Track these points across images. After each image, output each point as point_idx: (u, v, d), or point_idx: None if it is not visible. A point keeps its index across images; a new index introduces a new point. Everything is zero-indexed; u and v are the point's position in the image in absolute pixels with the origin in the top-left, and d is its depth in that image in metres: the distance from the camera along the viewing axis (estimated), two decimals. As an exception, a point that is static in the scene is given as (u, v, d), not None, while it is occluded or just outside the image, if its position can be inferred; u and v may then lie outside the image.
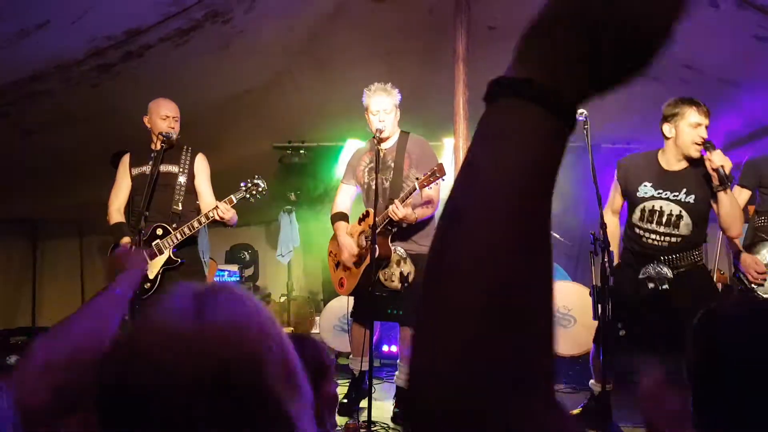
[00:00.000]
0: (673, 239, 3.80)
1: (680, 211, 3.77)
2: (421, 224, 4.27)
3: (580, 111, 3.85)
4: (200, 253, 4.57)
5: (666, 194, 3.82)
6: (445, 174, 3.96)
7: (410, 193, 4.01)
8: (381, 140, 4.14)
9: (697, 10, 4.78)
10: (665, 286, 3.64)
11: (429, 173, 3.96)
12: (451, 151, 5.49)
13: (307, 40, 5.78)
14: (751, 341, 1.19)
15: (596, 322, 3.76)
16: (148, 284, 4.13)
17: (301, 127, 7.40)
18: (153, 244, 4.15)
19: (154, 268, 4.16)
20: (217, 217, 4.16)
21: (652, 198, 3.85)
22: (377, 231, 4.00)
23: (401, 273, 4.13)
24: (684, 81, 5.61)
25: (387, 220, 4.07)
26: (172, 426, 0.78)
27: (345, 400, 4.38)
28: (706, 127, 3.73)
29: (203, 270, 4.71)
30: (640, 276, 3.78)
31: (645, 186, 3.87)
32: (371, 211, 4.23)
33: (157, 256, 4.15)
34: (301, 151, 7.65)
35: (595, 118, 4.07)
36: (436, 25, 5.52)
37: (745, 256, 4.07)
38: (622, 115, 6.29)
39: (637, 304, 3.74)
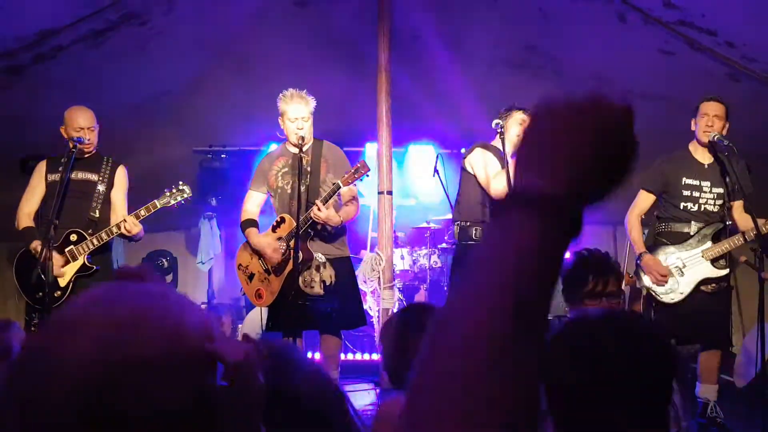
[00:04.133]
0: None
1: None
2: (339, 229, 4.29)
3: (496, 121, 4.00)
4: (114, 260, 4.44)
5: None
6: (369, 170, 4.01)
7: (333, 194, 4.02)
8: (302, 147, 4.13)
9: (606, 23, 5.01)
10: None
11: (353, 170, 4.00)
12: (374, 158, 5.53)
13: (228, 43, 5.72)
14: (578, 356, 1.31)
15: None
16: (59, 292, 3.97)
17: (223, 131, 7.31)
18: (66, 250, 4.01)
19: (67, 275, 4.02)
20: (123, 231, 4.07)
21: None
22: (296, 236, 3.98)
23: (321, 278, 4.12)
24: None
25: (308, 223, 4.06)
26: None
27: None
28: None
29: (118, 278, 4.57)
30: None
31: None
32: (287, 217, 4.19)
33: (69, 262, 4.02)
34: (223, 156, 7.55)
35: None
36: (359, 32, 5.57)
37: (647, 258, 4.24)
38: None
39: None
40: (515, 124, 4.19)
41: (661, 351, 1.35)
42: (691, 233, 4.21)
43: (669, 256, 4.21)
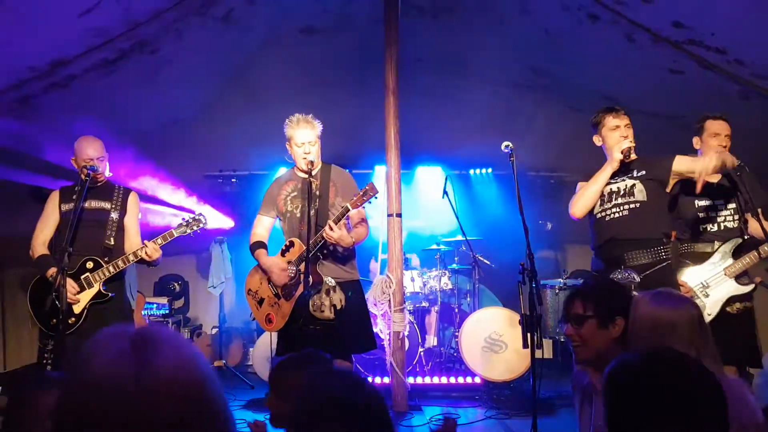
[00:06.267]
0: (632, 205, 3.97)
1: (633, 183, 4.00)
2: (348, 252, 4.28)
3: (505, 144, 3.97)
4: (127, 287, 4.46)
5: (618, 178, 4.04)
6: (377, 192, 4.00)
7: (342, 216, 4.00)
8: (311, 171, 4.13)
9: (613, 43, 5.02)
10: (633, 292, 3.74)
11: (362, 192, 3.99)
12: (383, 180, 5.53)
13: (237, 70, 5.77)
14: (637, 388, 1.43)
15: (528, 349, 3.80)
16: (73, 319, 4.00)
17: (233, 156, 7.36)
18: (82, 277, 4.05)
19: (82, 302, 4.04)
20: (145, 257, 4.14)
21: (608, 184, 4.06)
22: (306, 259, 3.96)
23: (332, 302, 4.09)
24: (603, 112, 5.84)
25: (318, 246, 4.04)
26: None
27: None
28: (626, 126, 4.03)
29: (131, 304, 4.60)
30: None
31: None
32: (296, 241, 4.19)
33: (84, 289, 4.04)
34: (233, 180, 7.59)
35: (520, 148, 4.19)
36: (366, 57, 5.62)
37: None
38: (546, 145, 6.50)
39: None
40: (610, 132, 4.05)
41: (710, 383, 1.39)
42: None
43: (692, 276, 4.12)
